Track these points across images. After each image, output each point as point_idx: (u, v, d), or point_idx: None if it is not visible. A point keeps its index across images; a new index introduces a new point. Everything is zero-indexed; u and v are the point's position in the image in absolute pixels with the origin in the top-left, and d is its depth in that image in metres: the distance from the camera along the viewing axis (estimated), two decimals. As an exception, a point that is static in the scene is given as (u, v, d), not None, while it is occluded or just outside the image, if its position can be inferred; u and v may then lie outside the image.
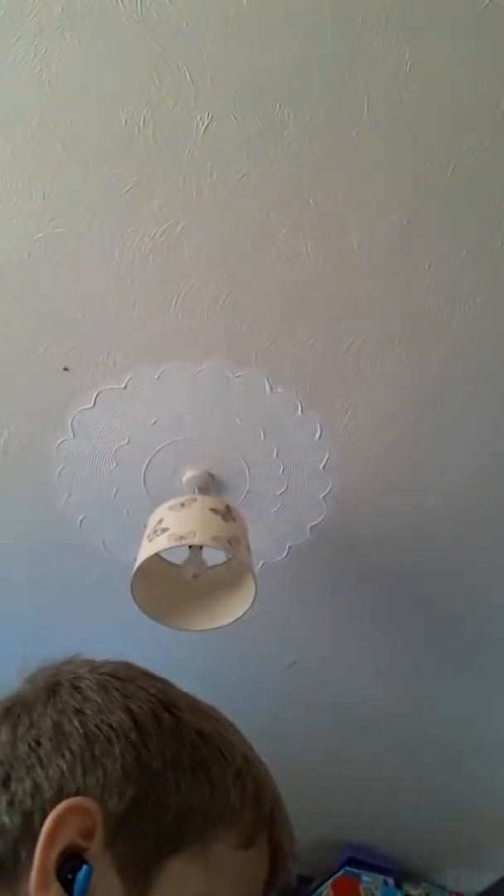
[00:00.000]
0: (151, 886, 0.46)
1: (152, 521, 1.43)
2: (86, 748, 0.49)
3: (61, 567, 1.73)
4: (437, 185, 1.19)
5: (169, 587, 1.48)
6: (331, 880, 2.47)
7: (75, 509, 1.62)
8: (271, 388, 1.43)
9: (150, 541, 1.37)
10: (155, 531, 1.38)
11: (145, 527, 1.46)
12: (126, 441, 1.50)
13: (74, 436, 1.49)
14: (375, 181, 1.19)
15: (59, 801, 0.46)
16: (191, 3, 1.02)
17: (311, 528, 1.65)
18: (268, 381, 1.42)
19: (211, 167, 1.17)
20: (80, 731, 0.51)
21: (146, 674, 0.56)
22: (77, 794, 0.47)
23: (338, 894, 2.40)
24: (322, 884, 2.50)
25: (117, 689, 0.55)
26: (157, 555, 1.36)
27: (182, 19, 1.03)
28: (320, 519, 1.64)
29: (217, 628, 1.46)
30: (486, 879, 2.68)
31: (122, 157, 1.16)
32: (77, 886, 0.43)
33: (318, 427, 1.49)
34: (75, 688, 0.55)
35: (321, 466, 1.55)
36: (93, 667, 0.58)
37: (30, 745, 0.50)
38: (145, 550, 1.36)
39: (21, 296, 1.31)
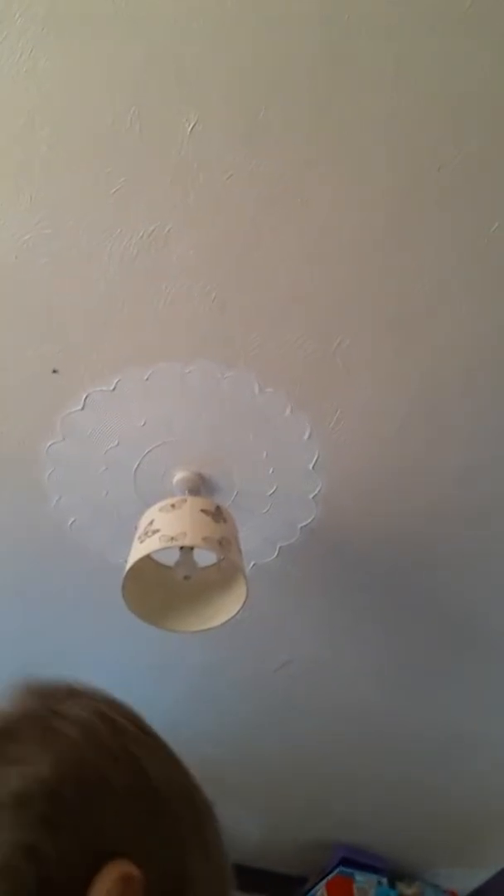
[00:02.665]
0: None
1: (143, 523, 1.43)
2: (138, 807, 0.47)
3: (52, 570, 1.72)
4: (423, 186, 1.20)
5: (160, 589, 1.48)
6: (325, 881, 2.47)
7: (65, 512, 1.61)
8: (260, 389, 1.43)
9: (141, 542, 1.37)
10: (146, 532, 1.38)
11: (136, 528, 1.46)
12: (116, 443, 1.50)
13: (64, 438, 1.49)
14: (362, 181, 1.19)
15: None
16: (177, 5, 1.02)
17: (301, 528, 1.65)
18: (257, 381, 1.42)
19: (198, 168, 1.17)
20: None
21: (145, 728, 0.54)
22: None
23: (332, 894, 2.40)
24: (316, 884, 2.50)
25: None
26: (148, 556, 1.36)
27: (169, 20, 1.03)
28: (310, 519, 1.64)
29: (208, 630, 1.46)
30: (480, 877, 2.69)
31: (109, 158, 1.15)
32: None
33: (308, 427, 1.49)
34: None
35: (310, 466, 1.55)
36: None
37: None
38: (136, 552, 1.36)
39: (8, 298, 1.31)
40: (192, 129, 1.13)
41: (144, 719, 0.54)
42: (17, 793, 0.43)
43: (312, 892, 2.50)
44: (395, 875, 2.58)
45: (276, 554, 1.69)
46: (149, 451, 1.52)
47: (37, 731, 0.48)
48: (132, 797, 0.47)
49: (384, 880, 2.49)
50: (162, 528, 1.36)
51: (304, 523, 1.64)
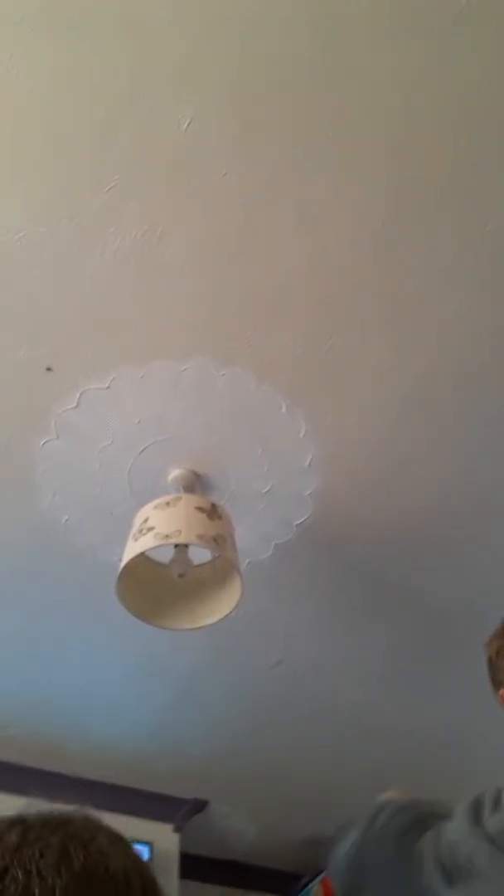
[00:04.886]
0: None
1: (138, 521, 1.43)
2: (81, 877, 0.53)
3: (45, 568, 1.72)
4: (416, 184, 1.19)
5: (155, 587, 1.47)
6: (320, 877, 2.47)
7: (59, 510, 1.61)
8: (256, 387, 1.43)
9: (136, 540, 1.37)
10: (140, 530, 1.38)
11: (131, 526, 1.45)
12: (110, 441, 1.50)
13: (58, 436, 1.48)
14: (356, 180, 1.19)
15: None
16: (172, 2, 1.02)
17: (296, 525, 1.65)
18: (252, 379, 1.42)
19: (193, 166, 1.16)
20: (82, 860, 0.54)
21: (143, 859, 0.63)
22: None
23: (327, 891, 2.40)
24: (311, 881, 2.51)
25: (120, 845, 0.60)
26: (142, 554, 1.36)
27: (163, 17, 1.03)
28: (305, 516, 1.64)
29: (203, 627, 1.46)
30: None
31: (103, 156, 1.15)
32: None
33: (303, 425, 1.49)
34: (86, 824, 0.60)
35: (306, 464, 1.55)
36: (101, 820, 0.63)
37: (35, 853, 0.54)
38: (131, 550, 1.36)
39: (2, 296, 1.30)
40: (187, 126, 1.12)
41: None
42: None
43: (308, 888, 2.51)
44: (389, 871, 2.58)
45: (271, 551, 1.69)
46: (143, 449, 1.51)
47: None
48: None
49: (379, 876, 2.49)
50: (157, 526, 1.36)
51: (299, 521, 1.64)
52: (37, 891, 0.51)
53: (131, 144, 1.14)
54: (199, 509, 1.41)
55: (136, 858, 0.59)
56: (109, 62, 1.06)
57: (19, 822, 0.57)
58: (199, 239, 1.24)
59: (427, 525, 1.68)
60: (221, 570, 1.47)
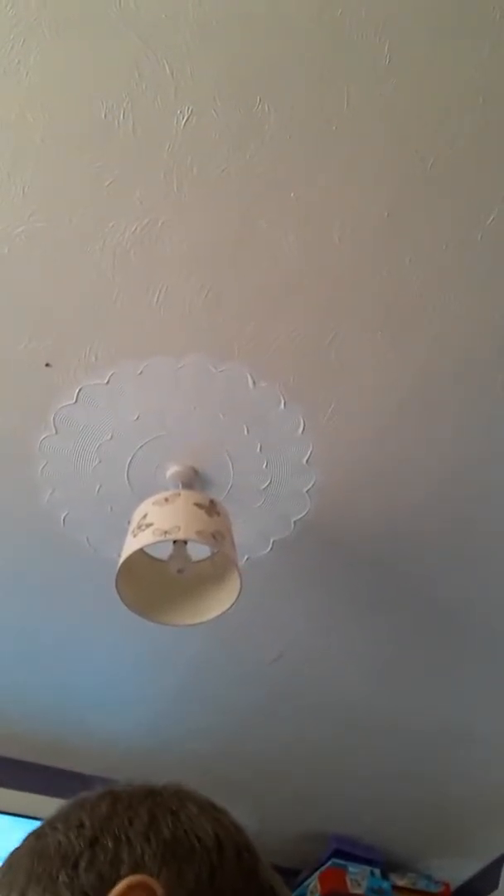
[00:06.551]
0: None
1: (136, 517, 1.43)
2: (171, 844, 0.54)
3: (45, 564, 1.72)
4: (417, 179, 1.19)
5: (154, 582, 1.48)
6: (318, 872, 2.47)
7: (58, 506, 1.61)
8: (254, 383, 1.43)
9: (135, 536, 1.37)
10: (139, 526, 1.38)
11: (129, 522, 1.46)
12: (109, 437, 1.50)
13: (57, 432, 1.48)
14: (356, 174, 1.19)
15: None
16: (170, -4, 1.01)
17: (294, 522, 1.65)
18: (250, 375, 1.42)
19: (191, 161, 1.16)
20: (171, 828, 0.56)
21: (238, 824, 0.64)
22: None
23: (325, 886, 2.41)
24: (309, 876, 2.51)
25: (212, 813, 0.61)
26: (141, 550, 1.36)
27: (161, 12, 1.03)
28: (304, 513, 1.64)
29: (202, 623, 1.46)
30: (472, 868, 2.71)
31: (102, 151, 1.15)
32: None
33: (302, 421, 1.49)
34: (176, 794, 0.61)
35: (304, 460, 1.55)
36: (194, 790, 0.65)
37: (123, 822, 0.55)
38: (130, 546, 1.36)
39: (1, 292, 1.30)
40: (185, 121, 1.12)
41: None
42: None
43: (305, 883, 2.51)
44: (388, 866, 2.58)
45: (269, 548, 1.69)
46: (142, 445, 1.51)
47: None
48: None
49: (377, 871, 2.50)
50: (155, 522, 1.36)
51: (297, 517, 1.65)
52: (126, 857, 0.52)
53: (130, 139, 1.14)
54: (198, 505, 1.41)
55: (229, 825, 0.61)
56: (108, 56, 1.06)
57: (109, 794, 0.59)
58: (198, 234, 1.24)
59: (426, 522, 1.68)
60: (220, 567, 1.47)
